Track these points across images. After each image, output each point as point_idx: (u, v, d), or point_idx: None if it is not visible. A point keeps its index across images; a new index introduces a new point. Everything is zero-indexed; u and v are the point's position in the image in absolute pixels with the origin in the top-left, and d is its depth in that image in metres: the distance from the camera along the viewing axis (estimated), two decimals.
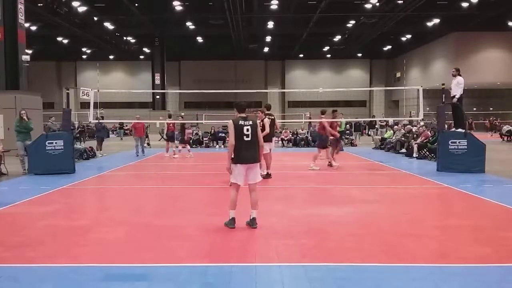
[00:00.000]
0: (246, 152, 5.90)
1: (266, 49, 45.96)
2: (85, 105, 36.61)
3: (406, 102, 43.27)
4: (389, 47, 45.59)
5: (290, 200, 8.15)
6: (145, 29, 37.62)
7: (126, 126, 34.85)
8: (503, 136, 25.19)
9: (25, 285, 4.14)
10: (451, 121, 14.87)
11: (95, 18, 33.68)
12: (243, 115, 6.05)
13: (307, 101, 43.80)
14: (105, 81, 46.13)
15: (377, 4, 28.92)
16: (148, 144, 22.46)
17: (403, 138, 17.99)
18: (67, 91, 14.56)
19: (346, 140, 22.00)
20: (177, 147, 17.12)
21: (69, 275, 4.33)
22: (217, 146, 22.41)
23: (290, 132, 24.77)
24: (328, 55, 49.30)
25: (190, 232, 5.86)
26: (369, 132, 30.51)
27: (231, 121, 5.99)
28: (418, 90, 16.25)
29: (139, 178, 11.90)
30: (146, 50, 45.95)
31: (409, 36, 39.75)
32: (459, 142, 11.39)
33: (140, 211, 7.37)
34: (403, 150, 17.09)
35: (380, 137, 21.87)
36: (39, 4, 27.41)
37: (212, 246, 5.25)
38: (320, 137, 12.76)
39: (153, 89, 42.19)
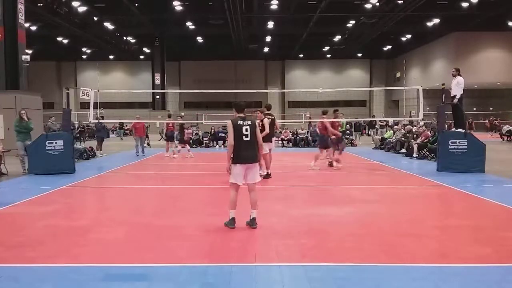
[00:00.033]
0: (245, 152, 5.90)
1: (266, 49, 45.96)
2: (85, 105, 36.62)
3: (406, 102, 43.27)
4: (389, 47, 45.58)
5: (290, 200, 8.15)
6: (145, 29, 37.61)
7: (126, 126, 34.85)
8: (503, 136, 25.19)
9: (25, 285, 4.14)
10: (451, 121, 14.88)
11: (95, 18, 33.67)
12: (242, 115, 6.05)
13: (307, 101, 43.82)
14: (105, 81, 46.14)
15: (377, 4, 28.91)
16: (148, 144, 22.46)
17: (403, 138, 17.99)
18: (67, 91, 14.56)
19: (346, 140, 21.99)
20: (176, 147, 17.12)
21: (69, 275, 4.33)
22: (217, 146, 22.41)
23: (290, 132, 24.77)
24: (328, 55, 49.29)
25: (190, 232, 5.86)
26: (369, 132, 30.51)
27: (230, 121, 6.00)
28: (418, 90, 16.24)
29: (139, 178, 11.90)
30: (146, 50, 45.94)
31: (409, 36, 39.75)
32: (459, 142, 11.39)
33: (140, 211, 7.37)
34: (403, 150, 17.09)
35: (380, 137, 21.88)
36: (39, 4, 27.41)
37: (212, 246, 5.25)
38: (322, 137, 12.76)
39: (153, 89, 42.18)
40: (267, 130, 10.40)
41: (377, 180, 11.05)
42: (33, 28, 32.45)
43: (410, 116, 33.85)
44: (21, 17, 18.26)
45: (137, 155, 17.28)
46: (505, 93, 40.63)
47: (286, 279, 4.20)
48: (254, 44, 44.43)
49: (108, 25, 35.00)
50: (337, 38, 40.59)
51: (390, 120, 28.16)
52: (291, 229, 5.95)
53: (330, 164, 12.93)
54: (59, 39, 39.97)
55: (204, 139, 23.45)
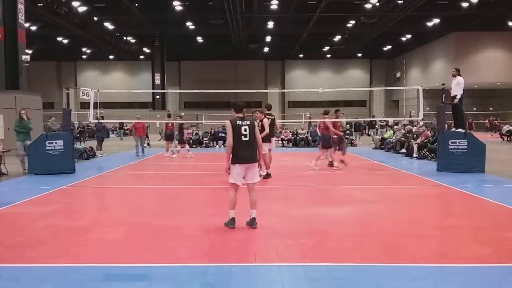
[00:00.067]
0: (244, 152, 5.91)
1: (266, 49, 45.95)
2: (85, 105, 36.62)
3: (406, 102, 43.27)
4: (389, 47, 45.58)
5: (290, 200, 8.15)
6: (145, 29, 37.61)
7: (126, 126, 34.86)
8: (503, 136, 25.18)
9: (25, 285, 4.14)
10: (451, 121, 14.87)
11: (95, 18, 33.66)
12: (241, 115, 6.05)
13: (307, 101, 43.82)
14: (105, 81, 46.13)
15: (377, 4, 28.91)
16: (148, 144, 22.46)
17: (403, 138, 17.99)
18: (67, 91, 14.56)
19: (346, 140, 21.99)
20: (176, 147, 17.13)
21: (69, 275, 4.33)
22: (217, 146, 22.41)
23: (290, 132, 24.77)
24: (328, 55, 49.29)
25: (190, 232, 5.86)
26: (369, 132, 30.51)
27: (228, 121, 6.00)
28: (418, 90, 16.25)
29: (139, 178, 11.90)
30: (146, 50, 45.93)
31: (409, 36, 39.74)
32: (459, 142, 11.39)
33: (140, 211, 7.37)
34: (403, 150, 17.09)
35: (380, 137, 21.87)
36: (39, 4, 27.40)
37: (212, 246, 5.25)
38: (324, 136, 12.77)
39: (153, 89, 42.18)
40: (266, 130, 10.40)
41: (377, 180, 11.05)
42: (33, 28, 32.44)
43: (410, 116, 33.85)
44: (21, 17, 18.26)
45: (137, 155, 17.28)
46: (505, 93, 40.62)
47: (286, 279, 4.20)
48: (254, 44, 44.42)
49: (108, 25, 34.99)
50: (337, 38, 40.58)
51: (390, 120, 28.17)
52: (291, 229, 5.95)
53: (330, 164, 12.94)
54: (59, 39, 39.96)
55: (204, 139, 23.46)
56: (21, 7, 18.20)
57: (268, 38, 40.97)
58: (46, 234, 5.84)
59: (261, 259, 4.76)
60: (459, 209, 7.70)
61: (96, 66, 47.16)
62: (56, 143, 11.68)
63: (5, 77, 17.89)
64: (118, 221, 6.59)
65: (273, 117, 11.14)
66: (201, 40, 42.05)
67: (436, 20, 32.90)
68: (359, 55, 49.28)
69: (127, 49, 44.72)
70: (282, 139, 23.39)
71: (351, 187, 9.69)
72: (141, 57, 48.52)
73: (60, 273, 4.41)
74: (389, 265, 4.56)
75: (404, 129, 19.63)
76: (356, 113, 41.44)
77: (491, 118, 34.86)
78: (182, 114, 28.44)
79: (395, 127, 21.74)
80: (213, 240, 5.48)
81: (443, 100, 12.54)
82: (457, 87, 11.92)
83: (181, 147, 17.09)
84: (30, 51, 24.27)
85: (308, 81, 48.48)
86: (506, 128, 25.58)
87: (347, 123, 21.72)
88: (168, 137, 17.26)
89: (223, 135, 22.09)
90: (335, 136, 12.74)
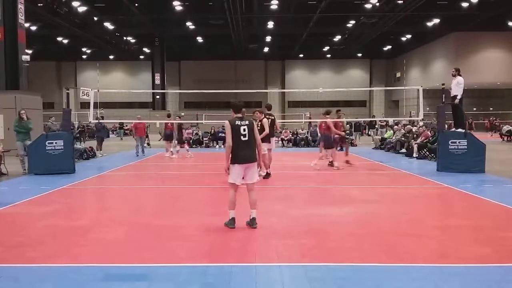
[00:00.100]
0: (243, 152, 5.91)
1: (266, 49, 45.96)
2: (85, 105, 36.64)
3: (406, 102, 43.28)
4: (389, 47, 45.59)
5: (290, 200, 8.15)
6: (145, 29, 37.61)
7: (126, 126, 34.86)
8: (503, 136, 25.19)
9: (25, 285, 4.14)
10: (451, 121, 14.87)
11: (95, 18, 33.67)
12: (240, 115, 6.06)
13: (307, 101, 43.84)
14: (105, 81, 46.14)
15: (377, 4, 28.91)
16: (148, 144, 22.46)
17: (403, 138, 17.99)
18: (67, 91, 14.57)
19: (346, 140, 21.97)
20: (175, 147, 17.13)
21: (69, 275, 4.33)
22: (217, 146, 22.41)
23: (290, 132, 24.77)
24: (328, 55, 49.30)
25: (190, 232, 5.86)
26: (369, 132, 30.52)
27: (227, 121, 6.00)
28: (418, 90, 16.25)
29: (139, 178, 11.90)
30: (146, 50, 45.94)
31: (409, 36, 39.75)
32: (459, 142, 11.39)
33: (140, 211, 7.37)
34: (403, 150, 17.09)
35: (380, 137, 21.87)
36: (39, 4, 27.41)
37: (212, 246, 5.25)
38: (325, 137, 12.78)
39: (153, 89, 42.19)
40: (266, 130, 10.40)
41: (377, 180, 11.05)
42: (33, 28, 32.45)
43: (410, 116, 33.86)
44: (21, 17, 18.26)
45: (137, 155, 17.28)
46: (505, 93, 40.63)
47: (286, 279, 4.20)
48: (254, 44, 44.43)
49: (108, 25, 35.00)
50: (337, 38, 40.59)
51: (390, 120, 28.15)
52: (291, 229, 5.95)
53: (330, 164, 12.94)
54: (59, 39, 39.97)
55: (204, 139, 23.46)
56: (21, 7, 18.20)
57: (268, 38, 40.98)
58: (46, 234, 5.84)
59: (261, 259, 4.76)
60: (459, 209, 7.70)
61: (96, 66, 47.17)
62: (56, 143, 11.68)
63: (5, 77, 17.89)
64: (118, 221, 6.59)
65: (273, 117, 11.13)
66: (201, 40, 42.05)
67: (436, 20, 32.91)
68: (359, 55, 49.28)
69: (127, 49, 44.72)
70: (282, 139, 23.39)
71: (351, 187, 9.68)
72: (141, 57, 48.53)
73: (60, 273, 4.41)
74: (389, 265, 4.56)
75: (404, 129, 19.63)
76: (356, 113, 41.44)
77: (491, 118, 34.87)
78: (182, 114, 28.45)
79: (395, 127, 21.74)
80: (213, 240, 5.48)
81: (443, 100, 12.54)
82: (457, 87, 11.92)
83: (180, 147, 17.09)
84: (30, 51, 24.28)
85: (308, 81, 48.48)
86: (506, 128, 25.58)
87: (347, 123, 21.73)
88: (168, 137, 17.27)
89: (223, 135, 22.01)
90: (336, 136, 12.77)
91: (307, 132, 24.28)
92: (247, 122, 5.99)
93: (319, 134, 15.66)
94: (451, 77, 12.20)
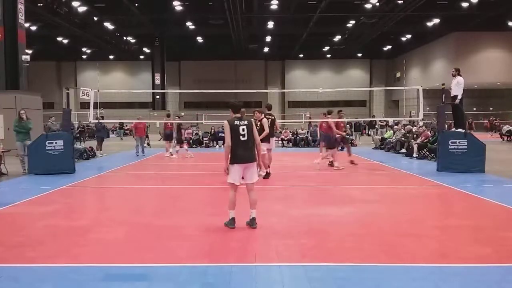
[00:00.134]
0: (242, 152, 5.90)
1: (266, 49, 45.95)
2: (85, 105, 36.63)
3: (406, 102, 43.27)
4: (389, 47, 45.58)
5: (290, 200, 8.15)
6: (145, 29, 37.61)
7: (126, 126, 34.86)
8: (503, 136, 25.19)
9: (25, 285, 4.14)
10: (451, 121, 14.88)
11: (95, 18, 33.67)
12: (239, 115, 6.06)
13: (307, 101, 43.83)
14: (105, 81, 46.14)
15: (377, 4, 28.91)
16: (148, 144, 22.47)
17: (403, 138, 17.99)
18: (67, 91, 14.57)
19: (347, 140, 21.98)
20: (175, 147, 17.14)
21: (69, 275, 4.33)
22: (217, 146, 22.41)
23: (290, 132, 24.77)
24: (328, 55, 49.29)
25: (190, 232, 5.86)
26: (369, 132, 30.52)
27: (226, 122, 6.00)
28: (418, 90, 16.26)
29: (139, 178, 11.90)
30: (146, 50, 45.94)
31: (409, 36, 39.74)
32: (459, 142, 11.39)
33: (140, 211, 7.37)
34: (403, 150, 17.09)
35: (380, 137, 21.87)
36: (39, 4, 27.40)
37: (212, 246, 5.25)
38: (326, 137, 12.79)
39: (153, 89, 42.18)
40: (266, 130, 10.39)
41: (377, 180, 11.05)
42: (33, 28, 32.44)
43: (410, 116, 33.85)
44: (21, 17, 18.26)
45: (137, 155, 17.29)
46: (505, 93, 40.62)
47: (286, 279, 4.20)
48: (254, 44, 44.42)
49: (108, 25, 34.99)
50: (337, 38, 40.58)
51: (390, 120, 28.16)
52: (291, 229, 5.95)
53: (331, 164, 12.95)
54: (59, 39, 39.96)
55: (204, 139, 23.47)
56: (21, 7, 18.20)
57: (268, 38, 40.97)
58: (46, 234, 5.84)
59: (261, 259, 4.76)
60: (459, 209, 7.70)
61: (96, 66, 47.17)
62: (56, 143, 11.68)
63: (5, 77, 17.89)
64: (118, 221, 6.59)
65: (273, 117, 11.13)
66: (201, 40, 42.05)
67: (436, 20, 32.90)
68: (359, 55, 49.28)
69: (127, 49, 44.72)
70: (282, 139, 23.40)
71: (351, 187, 9.68)
72: (141, 57, 48.52)
73: (60, 273, 4.41)
74: (389, 265, 4.56)
75: (404, 129, 19.63)
76: (356, 113, 41.43)
77: (491, 118, 34.87)
78: (182, 114, 28.45)
79: (395, 127, 21.74)
80: (213, 240, 5.48)
81: (443, 100, 12.54)
82: (457, 87, 11.92)
83: (180, 147, 17.09)
84: (30, 51, 24.28)
85: (308, 81, 48.48)
86: (506, 128, 25.58)
87: (347, 123, 21.72)
88: (167, 137, 17.28)
89: (223, 135, 22.02)
90: (338, 136, 12.79)
91: (307, 132, 24.28)
92: (246, 122, 5.99)
93: (319, 134, 15.67)
94: (451, 77, 12.20)
